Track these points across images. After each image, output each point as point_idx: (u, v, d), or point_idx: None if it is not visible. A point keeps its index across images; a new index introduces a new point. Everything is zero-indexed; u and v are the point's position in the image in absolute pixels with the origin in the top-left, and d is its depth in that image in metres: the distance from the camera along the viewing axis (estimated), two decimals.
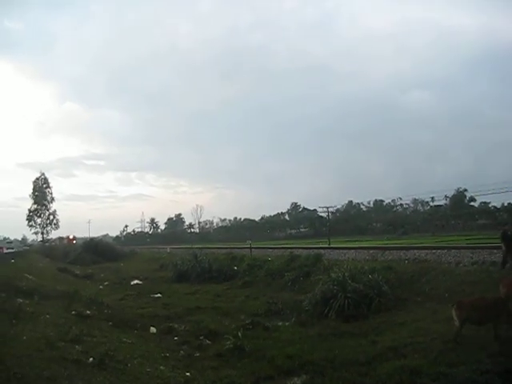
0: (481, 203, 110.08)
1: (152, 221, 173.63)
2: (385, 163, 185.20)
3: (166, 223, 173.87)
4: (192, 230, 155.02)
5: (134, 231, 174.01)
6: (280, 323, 19.33)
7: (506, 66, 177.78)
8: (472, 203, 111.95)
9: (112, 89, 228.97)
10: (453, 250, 25.79)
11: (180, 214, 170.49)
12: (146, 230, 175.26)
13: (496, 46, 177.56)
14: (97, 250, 67.61)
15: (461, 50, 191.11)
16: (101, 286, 34.07)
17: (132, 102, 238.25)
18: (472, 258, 23.01)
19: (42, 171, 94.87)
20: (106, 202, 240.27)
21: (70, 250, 70.50)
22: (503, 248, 21.17)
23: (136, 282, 37.30)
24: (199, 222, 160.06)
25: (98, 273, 44.59)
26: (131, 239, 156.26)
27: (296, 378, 11.86)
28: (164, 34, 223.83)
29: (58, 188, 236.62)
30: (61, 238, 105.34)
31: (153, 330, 18.05)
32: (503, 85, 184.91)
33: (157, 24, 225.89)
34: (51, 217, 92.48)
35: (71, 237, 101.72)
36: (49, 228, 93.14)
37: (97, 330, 15.29)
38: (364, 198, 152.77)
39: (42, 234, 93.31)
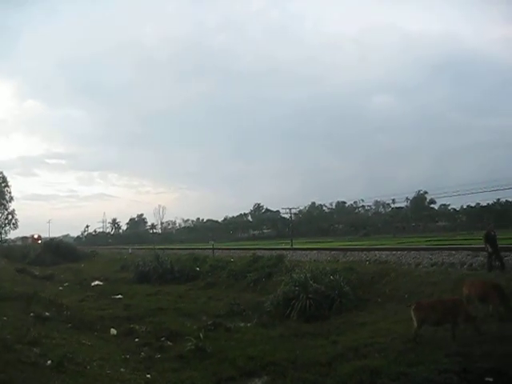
0: (441, 205, 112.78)
1: (114, 221, 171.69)
2: (349, 166, 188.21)
3: (127, 223, 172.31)
4: (154, 230, 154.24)
5: (95, 231, 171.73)
6: (242, 324, 19.34)
7: (467, 70, 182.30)
8: (432, 205, 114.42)
9: (74, 87, 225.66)
10: (413, 252, 26.22)
11: (142, 215, 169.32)
12: (108, 230, 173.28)
13: (457, 51, 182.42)
14: (57, 251, 66.18)
15: (423, 54, 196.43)
16: (61, 287, 33.45)
17: (94, 100, 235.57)
18: (431, 259, 23.44)
19: (1, 170, 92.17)
20: (67, 201, 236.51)
21: (30, 250, 68.90)
22: (488, 249, 20.44)
23: (97, 283, 36.71)
24: (162, 223, 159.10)
25: (58, 274, 43.71)
26: (92, 240, 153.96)
27: (257, 379, 11.89)
28: (128, 33, 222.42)
29: (17, 187, 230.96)
30: (24, 238, 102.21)
31: (113, 331, 17.80)
32: (465, 89, 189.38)
33: (121, 23, 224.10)
34: (10, 216, 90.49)
35: (36, 236, 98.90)
36: (7, 228, 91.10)
37: (56, 332, 15.01)
38: (327, 199, 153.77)
39: (0, 233, 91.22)
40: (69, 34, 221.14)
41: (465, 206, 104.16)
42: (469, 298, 15.40)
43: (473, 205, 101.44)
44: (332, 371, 11.70)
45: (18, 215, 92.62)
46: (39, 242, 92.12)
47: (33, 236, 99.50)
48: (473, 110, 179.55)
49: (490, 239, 20.72)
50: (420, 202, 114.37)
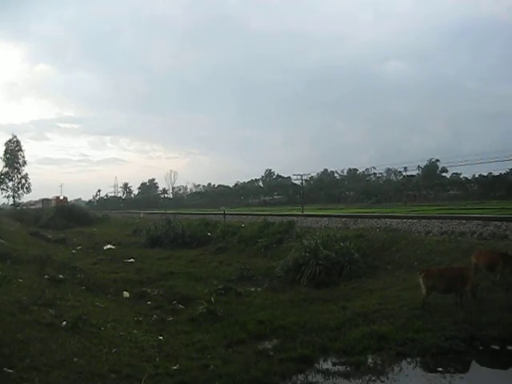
0: (452, 174, 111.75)
1: (125, 186, 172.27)
2: (361, 133, 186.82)
3: (139, 188, 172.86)
4: (166, 195, 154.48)
5: (107, 196, 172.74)
6: (252, 289, 19.55)
7: (484, 37, 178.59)
8: (444, 174, 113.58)
9: (87, 51, 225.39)
10: (423, 220, 26.18)
11: (154, 179, 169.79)
12: (119, 194, 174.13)
13: (474, 18, 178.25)
14: (69, 215, 66.55)
15: (439, 21, 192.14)
16: (73, 251, 33.88)
17: (106, 64, 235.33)
18: (441, 227, 23.42)
19: (14, 134, 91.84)
20: (79, 165, 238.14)
21: (42, 214, 69.45)
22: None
23: (109, 246, 37.15)
24: (173, 188, 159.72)
25: (70, 237, 44.20)
26: (104, 204, 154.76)
27: (267, 343, 12.09)
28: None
29: (30, 151, 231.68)
30: (45, 200, 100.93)
31: (126, 294, 18.12)
32: (481, 56, 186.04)
33: None
34: (23, 180, 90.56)
35: (62, 197, 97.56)
36: (20, 192, 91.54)
37: (70, 294, 15.28)
38: (339, 166, 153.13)
39: (14, 197, 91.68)
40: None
41: (477, 175, 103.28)
42: (477, 266, 15.53)
43: (485, 174, 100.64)
44: (341, 336, 11.92)
45: (31, 179, 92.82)
46: (66, 203, 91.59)
47: (58, 197, 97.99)
48: (488, 77, 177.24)
49: None
50: (432, 170, 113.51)
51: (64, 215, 65.71)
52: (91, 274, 21.63)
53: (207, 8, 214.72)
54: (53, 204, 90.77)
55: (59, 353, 9.38)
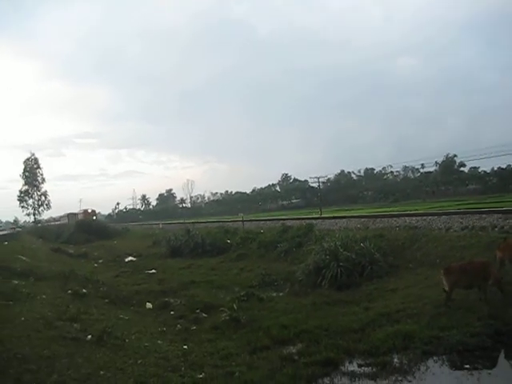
0: (471, 168, 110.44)
1: (143, 197, 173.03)
2: (375, 131, 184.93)
3: (157, 199, 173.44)
4: (183, 205, 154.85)
5: (125, 208, 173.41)
6: (274, 294, 19.61)
7: (495, 28, 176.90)
8: (462, 169, 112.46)
9: (98, 65, 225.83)
10: (443, 216, 25.95)
11: (171, 190, 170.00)
12: (138, 206, 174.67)
13: (484, 11, 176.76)
14: (89, 229, 67.29)
15: (449, 15, 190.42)
16: (95, 265, 34.23)
17: (118, 78, 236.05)
18: (462, 223, 23.19)
19: (32, 152, 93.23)
20: (98, 180, 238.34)
21: (64, 230, 70.20)
22: None
23: (130, 258, 37.47)
24: (191, 197, 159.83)
25: (91, 251, 44.65)
26: (123, 217, 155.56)
27: (292, 347, 12.08)
28: (148, 9, 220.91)
29: (48, 168, 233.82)
30: (71, 215, 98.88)
31: (149, 305, 18.25)
32: (494, 48, 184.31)
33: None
34: (43, 197, 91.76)
35: (90, 210, 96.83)
36: (41, 209, 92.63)
37: (94, 307, 15.45)
38: (355, 166, 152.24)
39: (34, 215, 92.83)
40: (94, 15, 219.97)
41: (495, 168, 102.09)
42: (502, 260, 15.32)
43: (504, 167, 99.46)
44: (365, 337, 11.87)
45: (50, 196, 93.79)
46: (94, 217, 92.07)
47: (86, 211, 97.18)
48: (503, 68, 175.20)
49: None
50: (449, 165, 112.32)
51: (84, 230, 66.44)
52: (114, 286, 21.84)
53: (213, 15, 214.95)
54: (80, 218, 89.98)
55: (85, 367, 9.48)
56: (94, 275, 23.54)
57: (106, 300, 17.85)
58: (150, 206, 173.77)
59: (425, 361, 10.24)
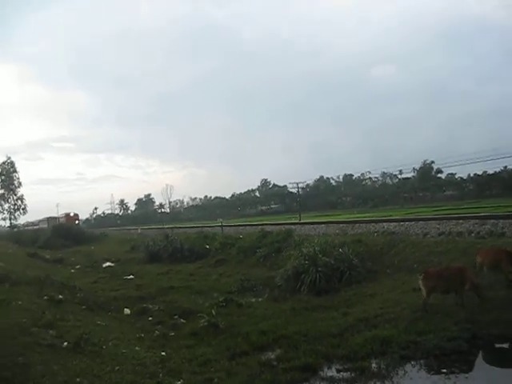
0: (448, 174, 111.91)
1: (122, 202, 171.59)
2: (354, 138, 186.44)
3: (135, 204, 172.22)
4: (162, 210, 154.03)
5: (103, 213, 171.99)
6: (253, 299, 19.60)
7: (470, 38, 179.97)
8: (439, 175, 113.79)
9: (76, 69, 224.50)
10: (420, 222, 26.23)
11: (150, 195, 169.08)
12: (116, 211, 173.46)
13: (459, 18, 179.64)
14: (67, 234, 66.29)
15: (424, 22, 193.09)
16: (72, 270, 33.76)
17: (98, 82, 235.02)
18: (439, 228, 23.46)
19: (8, 155, 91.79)
20: (76, 184, 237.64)
21: (41, 234, 69.22)
22: None
23: (108, 264, 37.01)
24: (169, 202, 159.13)
25: (68, 257, 44.05)
26: (101, 221, 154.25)
27: (271, 353, 12.08)
28: (127, 15, 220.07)
29: (25, 172, 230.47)
30: (51, 219, 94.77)
31: (127, 311, 18.06)
32: (467, 56, 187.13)
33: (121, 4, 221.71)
34: (19, 202, 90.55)
35: (72, 214, 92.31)
36: (17, 213, 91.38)
37: (70, 314, 15.22)
38: (334, 172, 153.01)
39: (10, 219, 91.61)
40: (70, 19, 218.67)
41: (472, 175, 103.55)
42: (482, 265, 15.57)
43: (480, 173, 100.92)
44: (343, 342, 11.92)
45: (27, 200, 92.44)
46: (77, 221, 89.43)
47: (68, 214, 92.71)
48: (476, 77, 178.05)
49: None
50: (427, 171, 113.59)
51: (61, 235, 65.51)
52: (91, 292, 21.58)
53: (193, 21, 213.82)
54: (62, 222, 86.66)
55: (61, 374, 9.34)
56: (70, 281, 23.20)
57: (83, 306, 17.60)
58: (129, 211, 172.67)
59: (403, 365, 10.32)
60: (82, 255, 46.49)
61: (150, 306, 18.58)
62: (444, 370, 10.08)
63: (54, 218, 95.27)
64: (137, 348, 12.47)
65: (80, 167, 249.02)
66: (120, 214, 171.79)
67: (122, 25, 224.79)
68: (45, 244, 59.01)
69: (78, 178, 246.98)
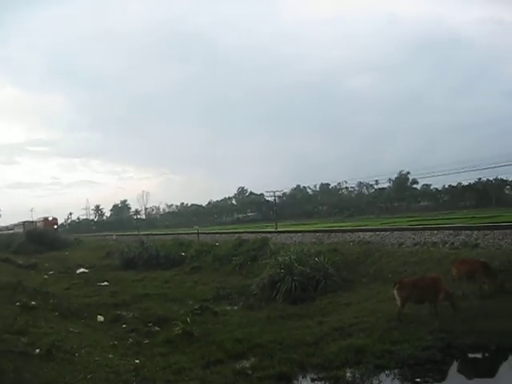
0: (423, 185, 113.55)
1: (97, 208, 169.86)
2: (332, 148, 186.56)
3: (111, 210, 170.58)
4: (138, 216, 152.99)
5: (78, 219, 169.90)
6: (229, 307, 19.53)
7: (448, 51, 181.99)
8: (414, 186, 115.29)
9: (54, 74, 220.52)
10: (396, 232, 26.48)
11: (126, 201, 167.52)
12: (91, 217, 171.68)
13: (439, 32, 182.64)
14: (40, 239, 65.27)
15: (405, 35, 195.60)
16: (46, 276, 33.26)
17: (75, 87, 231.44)
18: (414, 239, 23.72)
19: None
20: (50, 189, 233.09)
21: (14, 239, 68.06)
22: None
23: (82, 270, 36.58)
24: (145, 209, 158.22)
25: (42, 262, 43.40)
26: (76, 227, 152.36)
27: (245, 361, 12.03)
28: (107, 18, 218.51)
29: (0, 176, 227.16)
30: (28, 223, 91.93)
31: (100, 318, 17.85)
32: (446, 70, 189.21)
33: (100, 8, 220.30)
34: None
35: (50, 218, 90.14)
36: None
37: (43, 320, 15.04)
38: (311, 181, 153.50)
39: None
40: (47, 21, 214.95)
41: (446, 186, 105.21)
42: (458, 276, 15.81)
43: (454, 184, 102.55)
44: (318, 351, 11.94)
45: (1, 204, 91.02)
46: (55, 226, 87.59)
47: (46, 218, 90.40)
48: (454, 91, 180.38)
49: None
50: (403, 182, 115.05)
51: (35, 240, 64.50)
52: (64, 299, 21.29)
53: (173, 25, 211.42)
54: (40, 226, 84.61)
55: (33, 382, 9.24)
56: (43, 287, 22.91)
57: (56, 313, 17.38)
58: (104, 217, 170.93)
59: (377, 375, 10.39)
60: (56, 261, 45.86)
61: (124, 313, 18.42)
62: (418, 380, 10.19)
63: (31, 223, 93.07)
64: (110, 356, 12.33)
65: (55, 171, 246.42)
66: (95, 219, 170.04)
67: (99, 28, 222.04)
68: (18, 249, 58.00)
69: (53, 182, 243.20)
